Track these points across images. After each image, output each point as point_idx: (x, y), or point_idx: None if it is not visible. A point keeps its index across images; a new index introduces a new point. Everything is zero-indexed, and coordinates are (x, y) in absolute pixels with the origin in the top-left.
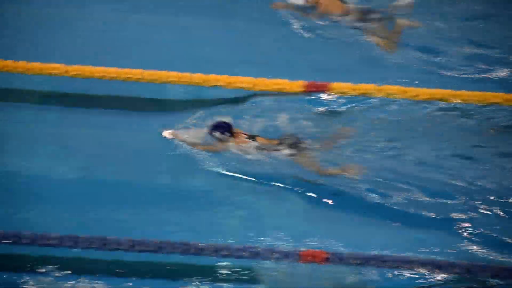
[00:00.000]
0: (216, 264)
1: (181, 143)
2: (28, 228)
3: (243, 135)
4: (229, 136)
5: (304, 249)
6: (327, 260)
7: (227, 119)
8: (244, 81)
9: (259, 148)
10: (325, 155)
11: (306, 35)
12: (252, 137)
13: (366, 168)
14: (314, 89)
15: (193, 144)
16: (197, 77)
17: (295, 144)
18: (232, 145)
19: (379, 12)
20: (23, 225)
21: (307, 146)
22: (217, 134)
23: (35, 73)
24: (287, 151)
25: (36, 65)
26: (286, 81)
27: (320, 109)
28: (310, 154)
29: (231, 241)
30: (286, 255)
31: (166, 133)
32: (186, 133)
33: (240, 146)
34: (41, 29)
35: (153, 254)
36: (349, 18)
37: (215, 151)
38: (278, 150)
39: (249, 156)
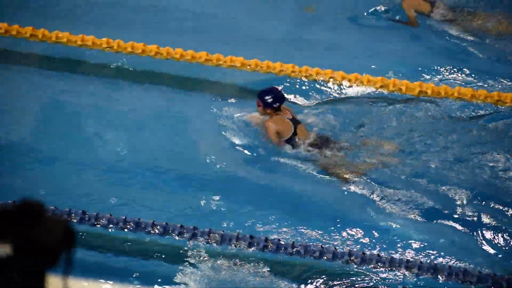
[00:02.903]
0: None
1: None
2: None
3: (289, 113)
4: (277, 107)
5: None
6: None
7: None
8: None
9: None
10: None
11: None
12: (295, 121)
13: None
14: None
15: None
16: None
17: (324, 144)
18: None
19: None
20: None
21: (335, 148)
22: (269, 99)
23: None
24: (311, 148)
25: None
26: None
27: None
28: (334, 156)
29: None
30: None
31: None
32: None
33: (276, 122)
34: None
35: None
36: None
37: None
38: (309, 144)
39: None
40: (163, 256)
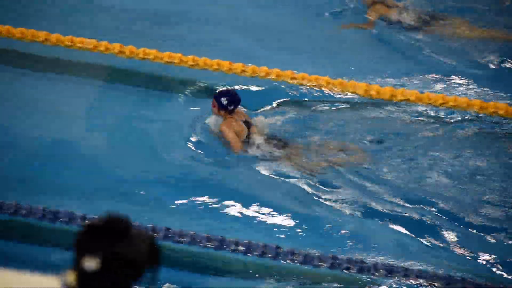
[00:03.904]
0: None
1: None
2: None
3: (242, 115)
4: (231, 110)
5: None
6: None
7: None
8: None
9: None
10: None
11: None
12: (248, 124)
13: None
14: None
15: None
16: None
17: (283, 145)
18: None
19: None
20: None
21: (298, 148)
22: (224, 101)
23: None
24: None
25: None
26: None
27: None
28: (298, 156)
29: None
30: None
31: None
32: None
33: (230, 125)
34: None
35: None
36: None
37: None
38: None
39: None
40: (243, 273)
